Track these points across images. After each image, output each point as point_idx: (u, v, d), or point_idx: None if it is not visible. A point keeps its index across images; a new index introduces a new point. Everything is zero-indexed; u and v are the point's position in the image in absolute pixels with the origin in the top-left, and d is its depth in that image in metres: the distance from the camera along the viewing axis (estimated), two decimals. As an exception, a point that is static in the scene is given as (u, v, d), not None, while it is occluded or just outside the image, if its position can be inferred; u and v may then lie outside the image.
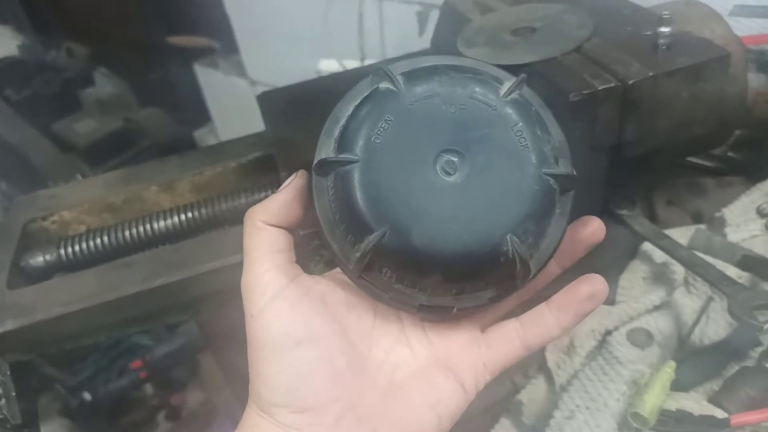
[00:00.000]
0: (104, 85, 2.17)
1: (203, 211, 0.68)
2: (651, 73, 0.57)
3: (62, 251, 0.66)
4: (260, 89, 1.81)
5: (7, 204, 1.94)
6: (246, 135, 0.80)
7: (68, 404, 1.63)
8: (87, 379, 1.69)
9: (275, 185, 0.71)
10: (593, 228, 0.38)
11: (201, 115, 2.10)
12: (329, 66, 1.34)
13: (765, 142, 0.83)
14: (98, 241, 0.66)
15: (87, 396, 1.66)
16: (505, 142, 0.34)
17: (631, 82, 0.57)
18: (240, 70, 1.80)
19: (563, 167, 0.34)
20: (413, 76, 0.35)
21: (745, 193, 0.78)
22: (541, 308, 0.37)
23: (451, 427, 0.37)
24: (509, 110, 0.34)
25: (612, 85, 0.57)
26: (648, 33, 0.63)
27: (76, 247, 0.66)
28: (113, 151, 1.82)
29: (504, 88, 0.35)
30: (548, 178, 0.33)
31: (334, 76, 0.91)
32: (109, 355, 1.74)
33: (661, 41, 0.61)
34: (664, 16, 0.60)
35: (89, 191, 0.73)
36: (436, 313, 0.36)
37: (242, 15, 1.64)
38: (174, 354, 1.71)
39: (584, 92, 0.56)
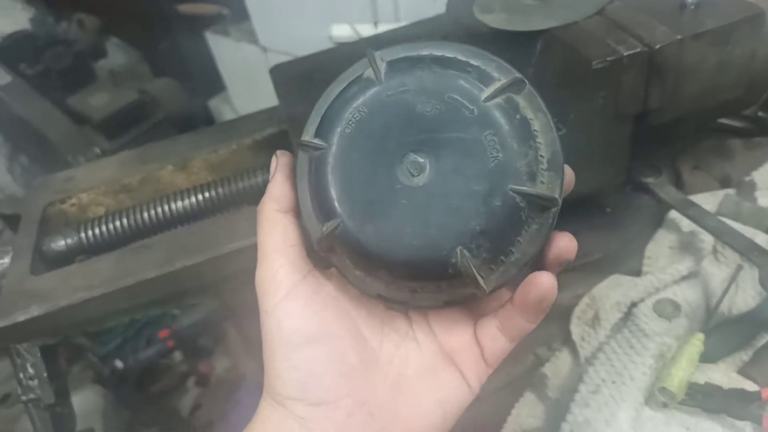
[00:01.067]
0: (117, 55, 2.15)
1: (220, 190, 0.67)
2: (678, 37, 0.54)
3: (82, 234, 0.66)
4: (272, 56, 1.78)
5: (29, 177, 1.96)
6: (260, 110, 0.78)
7: (100, 372, 1.67)
8: (116, 349, 1.73)
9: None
10: (561, 246, 0.35)
11: (214, 83, 2.08)
12: (342, 31, 1.30)
13: (798, 100, 0.80)
14: (117, 223, 0.66)
15: (118, 364, 1.70)
16: (475, 150, 0.32)
17: (657, 46, 0.54)
18: (251, 37, 1.77)
19: (540, 186, 0.32)
20: (396, 67, 0.34)
21: (776, 155, 0.76)
22: (509, 307, 0.36)
23: (454, 423, 0.38)
24: (487, 116, 0.32)
25: (637, 50, 0.54)
26: (676, -8, 0.60)
27: (96, 230, 0.66)
28: (128, 123, 1.81)
29: (488, 91, 0.32)
30: (515, 195, 0.31)
31: (347, 46, 0.88)
32: (135, 325, 1.77)
33: (689, 1, 0.58)
34: (694, -26, 0.57)
35: (105, 172, 0.72)
36: (394, 305, 0.36)
37: (252, -20, 1.61)
38: (200, 323, 1.74)
39: (608, 59, 0.54)
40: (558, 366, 0.64)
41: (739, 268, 0.65)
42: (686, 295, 0.64)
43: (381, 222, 0.32)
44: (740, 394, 0.53)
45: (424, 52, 0.34)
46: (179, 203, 0.66)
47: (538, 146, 0.32)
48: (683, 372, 0.55)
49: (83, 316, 0.60)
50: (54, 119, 1.75)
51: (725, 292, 0.64)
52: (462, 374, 0.38)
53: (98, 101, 1.84)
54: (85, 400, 1.51)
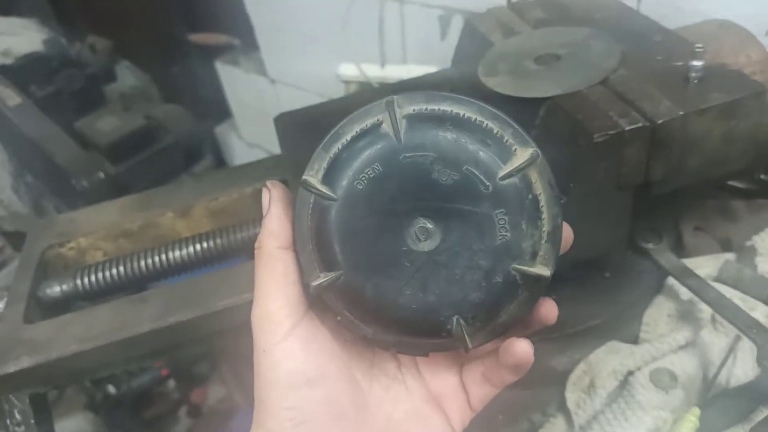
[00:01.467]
0: (127, 78, 2.17)
1: (218, 241, 0.67)
2: (681, 112, 0.54)
3: (78, 281, 0.66)
4: (280, 87, 1.79)
5: (34, 196, 1.97)
6: (262, 159, 0.79)
7: (93, 397, 1.66)
8: (111, 374, 1.71)
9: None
10: (543, 313, 0.37)
11: (222, 110, 2.10)
12: (349, 70, 1.31)
13: (801, 164, 0.80)
14: (114, 271, 0.66)
15: (111, 389, 1.69)
16: (485, 226, 0.32)
17: (659, 121, 0.54)
18: (260, 68, 1.79)
19: (538, 266, 0.33)
20: (418, 124, 0.33)
21: (778, 221, 0.75)
22: (494, 357, 0.38)
23: None
24: (500, 195, 0.32)
25: (639, 125, 0.54)
26: (679, 64, 0.60)
27: (92, 278, 0.66)
28: (135, 149, 1.82)
29: (505, 169, 0.32)
30: (515, 273, 0.33)
31: (352, 98, 0.89)
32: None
33: (693, 75, 0.58)
34: (697, 49, 0.57)
35: (106, 217, 0.72)
36: (379, 348, 0.37)
37: (262, 13, 1.62)
38: (195, 352, 1.73)
39: (610, 132, 0.54)
40: (552, 433, 0.63)
41: (738, 338, 0.64)
42: (684, 365, 0.63)
43: (382, 281, 0.33)
44: (736, 477, 0.52)
45: (445, 108, 0.33)
46: (177, 252, 0.66)
47: (543, 223, 0.33)
48: (679, 450, 0.54)
49: (76, 368, 0.59)
50: (61, 142, 1.76)
51: (723, 362, 0.63)
52: (447, 417, 0.39)
53: (106, 126, 1.85)
54: (75, 426, 1.50)
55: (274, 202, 0.36)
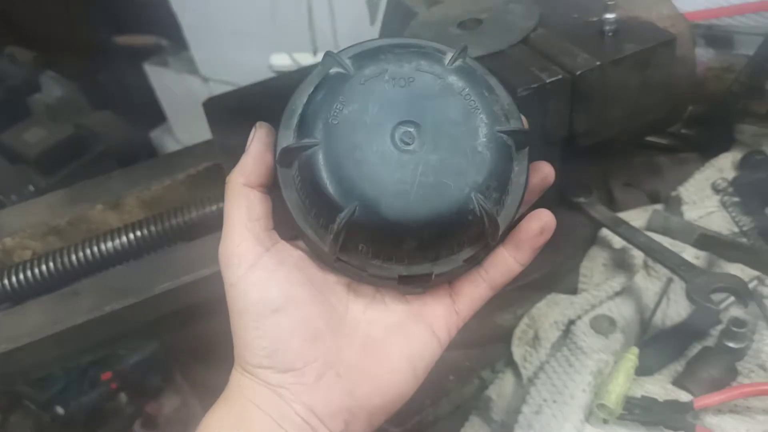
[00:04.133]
0: (52, 89, 2.09)
1: (152, 228, 0.65)
2: (598, 63, 0.57)
3: (6, 281, 0.63)
4: (214, 85, 1.76)
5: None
6: (194, 144, 0.77)
7: (40, 420, 1.59)
8: (58, 393, 1.65)
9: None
10: (546, 171, 0.39)
11: (156, 114, 2.04)
12: (281, 60, 1.30)
13: (717, 117, 0.84)
14: (43, 267, 0.63)
15: (59, 410, 1.62)
16: (456, 107, 0.35)
17: (578, 72, 0.56)
18: (191, 67, 1.75)
19: (514, 124, 0.36)
20: (360, 58, 0.36)
21: (699, 170, 0.79)
22: (500, 251, 0.39)
23: (425, 377, 0.39)
24: (456, 77, 0.36)
25: (560, 77, 0.56)
26: (594, 19, 0.63)
27: (20, 276, 0.63)
28: (66, 159, 1.75)
29: (447, 58, 0.36)
30: (502, 135, 0.35)
31: (283, 77, 0.88)
32: (79, 367, 1.70)
33: (607, 28, 0.60)
34: (608, 3, 0.59)
35: (32, 215, 0.69)
36: (416, 283, 0.37)
37: (189, 11, 1.59)
38: (145, 362, 1.68)
39: (532, 86, 0.55)
40: (502, 388, 0.64)
41: (670, 281, 0.67)
42: (621, 310, 0.65)
43: (394, 194, 0.34)
44: (675, 406, 0.55)
45: (379, 44, 0.37)
46: (109, 244, 0.64)
47: (499, 96, 0.37)
48: (620, 387, 0.56)
49: (11, 368, 0.57)
50: (-16, 158, 1.68)
51: (657, 305, 0.66)
52: (431, 328, 0.39)
53: (33, 137, 1.77)
54: (24, 453, 1.43)
55: (255, 141, 0.37)
